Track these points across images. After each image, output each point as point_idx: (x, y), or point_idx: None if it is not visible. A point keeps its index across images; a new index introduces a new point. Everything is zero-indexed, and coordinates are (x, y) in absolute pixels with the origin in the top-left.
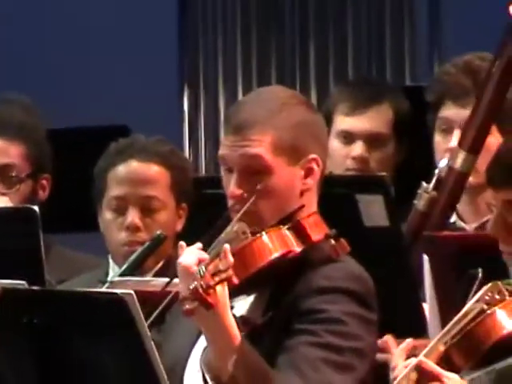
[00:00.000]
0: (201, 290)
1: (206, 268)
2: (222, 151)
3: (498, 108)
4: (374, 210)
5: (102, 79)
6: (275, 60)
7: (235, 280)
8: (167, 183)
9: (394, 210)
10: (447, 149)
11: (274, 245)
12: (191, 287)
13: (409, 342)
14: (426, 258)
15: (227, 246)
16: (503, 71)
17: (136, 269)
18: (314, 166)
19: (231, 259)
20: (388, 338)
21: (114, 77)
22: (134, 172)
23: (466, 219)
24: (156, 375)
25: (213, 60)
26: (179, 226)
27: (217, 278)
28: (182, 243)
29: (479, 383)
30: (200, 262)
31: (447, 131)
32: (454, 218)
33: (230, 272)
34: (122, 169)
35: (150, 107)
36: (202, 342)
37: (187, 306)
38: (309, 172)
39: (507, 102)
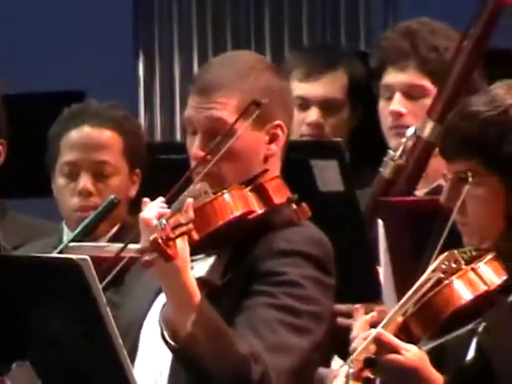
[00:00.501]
0: (160, 241)
1: (166, 221)
2: (187, 112)
3: (467, 80)
4: (328, 176)
5: (58, 45)
6: (230, 27)
7: (195, 235)
8: (120, 148)
9: (348, 175)
10: (389, 111)
11: (236, 204)
12: (151, 239)
13: (373, 315)
14: (380, 223)
15: (190, 201)
16: (474, 44)
17: (88, 234)
18: (279, 132)
19: (192, 213)
20: (359, 307)
21: (70, 43)
22: (86, 137)
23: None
24: (111, 341)
25: (168, 26)
26: (133, 192)
27: (177, 231)
28: (146, 199)
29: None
30: (161, 215)
31: (391, 98)
32: None
33: (191, 226)
34: (74, 134)
35: (105, 73)
36: (161, 299)
37: (146, 258)
38: (273, 138)
39: None
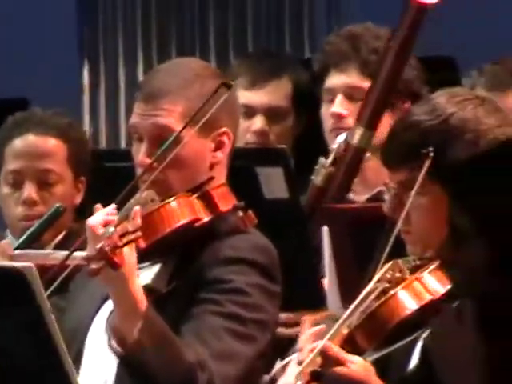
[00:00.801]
0: (107, 250)
1: (114, 229)
2: (132, 119)
3: (395, 84)
4: (273, 183)
5: (2, 51)
6: (175, 34)
7: (142, 243)
8: (64, 156)
9: (293, 182)
10: (330, 113)
11: (183, 211)
12: (98, 247)
13: (322, 327)
14: (325, 229)
15: (138, 208)
16: (400, 47)
17: (34, 242)
18: (225, 139)
19: (139, 221)
20: (306, 319)
21: (14, 50)
22: (30, 145)
23: (357, 191)
24: (56, 348)
25: (112, 34)
26: (78, 199)
27: (124, 239)
28: (98, 205)
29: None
30: (108, 223)
31: (333, 101)
32: None
33: (139, 233)
34: (18, 142)
35: (50, 81)
36: (107, 306)
37: (93, 266)
38: (219, 145)
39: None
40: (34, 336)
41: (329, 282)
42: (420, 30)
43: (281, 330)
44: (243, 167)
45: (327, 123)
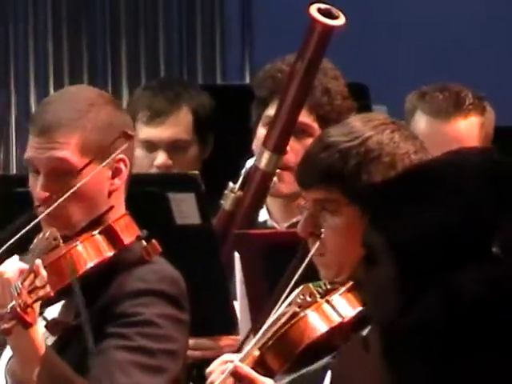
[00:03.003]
0: (19, 310)
1: (21, 284)
2: (28, 153)
3: (301, 108)
4: (185, 208)
5: None
6: (87, 59)
7: (51, 293)
8: None
9: (205, 207)
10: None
11: (89, 254)
12: (10, 306)
13: (235, 358)
14: (237, 255)
15: (39, 262)
16: (305, 71)
17: None
18: (122, 166)
19: (45, 274)
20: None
21: None
22: None
23: (278, 219)
24: None
25: (24, 58)
26: None
27: (34, 296)
28: (16, 256)
29: None
30: (22, 271)
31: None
32: (266, 217)
33: (48, 289)
34: None
35: None
36: (7, 352)
37: (5, 326)
38: (117, 172)
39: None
40: None
41: (240, 306)
42: (325, 52)
43: (191, 353)
44: (155, 193)
45: (259, 146)
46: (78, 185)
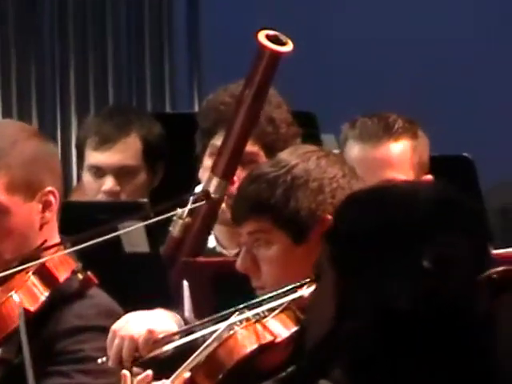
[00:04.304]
0: None
1: None
2: None
3: (249, 134)
4: (134, 236)
5: None
6: (35, 86)
7: None
8: None
9: (154, 235)
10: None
11: (24, 301)
12: None
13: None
14: (185, 283)
15: None
16: (254, 97)
17: None
18: (51, 197)
19: None
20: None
21: None
22: None
23: (226, 246)
24: None
25: None
26: None
27: None
28: None
29: None
30: None
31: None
32: (214, 244)
33: None
34: None
35: None
36: None
37: None
38: (46, 205)
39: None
40: None
41: None
42: (273, 78)
43: None
44: (104, 221)
45: (205, 176)
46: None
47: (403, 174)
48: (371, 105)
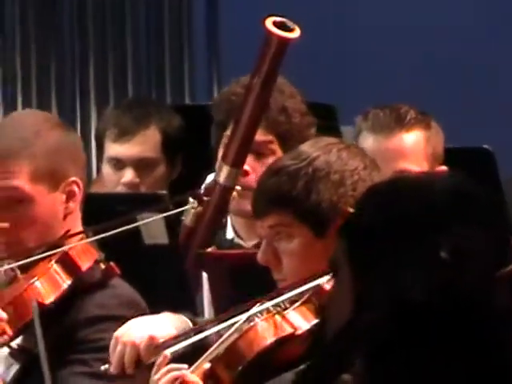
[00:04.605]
0: None
1: None
2: None
3: (258, 122)
4: (153, 228)
5: None
6: (55, 79)
7: (10, 333)
8: None
9: (173, 227)
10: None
11: (47, 289)
12: None
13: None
14: (205, 275)
15: None
16: (262, 85)
17: None
18: (75, 188)
19: (4, 316)
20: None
21: None
22: None
23: (244, 237)
24: None
25: None
26: None
27: None
28: None
29: None
30: None
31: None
32: (232, 235)
33: (9, 333)
34: None
35: None
36: None
37: None
38: (70, 195)
39: (290, 124)
40: None
41: None
42: (280, 65)
43: None
44: (124, 212)
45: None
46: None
47: (417, 164)
48: (390, 97)
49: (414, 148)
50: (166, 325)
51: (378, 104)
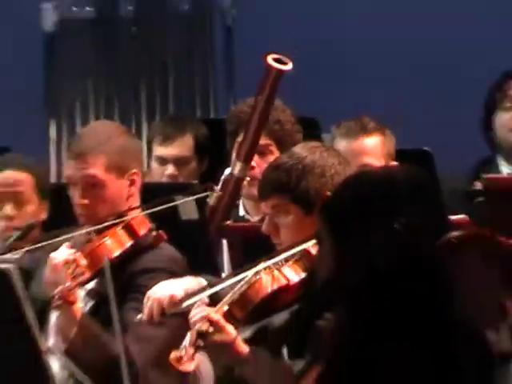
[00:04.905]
0: (66, 293)
1: (71, 270)
2: (67, 172)
3: (263, 128)
4: (188, 208)
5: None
6: (117, 101)
7: (88, 275)
8: (32, 185)
9: (202, 207)
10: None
11: (114, 246)
12: (58, 290)
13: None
14: (224, 242)
15: (79, 254)
16: (265, 102)
17: (11, 249)
18: (136, 177)
19: (84, 263)
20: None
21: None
22: (7, 177)
23: (252, 214)
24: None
25: (72, 96)
26: (43, 217)
27: (75, 281)
28: (67, 243)
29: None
30: (67, 262)
31: None
32: (243, 213)
33: (87, 275)
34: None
35: (24, 135)
36: (53, 314)
37: (56, 303)
38: (132, 182)
39: (283, 129)
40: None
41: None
42: (276, 87)
43: None
44: (167, 196)
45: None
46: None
47: (376, 160)
48: (361, 108)
49: (373, 149)
50: (184, 286)
51: (349, 118)
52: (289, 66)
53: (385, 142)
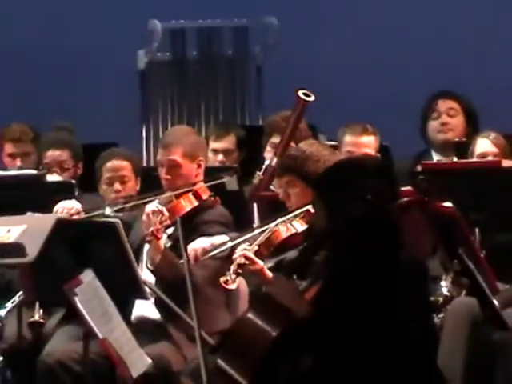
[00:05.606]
0: (155, 231)
1: (159, 218)
2: (158, 157)
3: (294, 136)
4: (231, 182)
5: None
6: (186, 113)
7: (169, 222)
8: (131, 169)
9: (241, 183)
10: (271, 150)
11: (186, 203)
12: (150, 230)
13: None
14: (255, 205)
15: (163, 208)
16: (295, 120)
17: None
18: (202, 162)
19: (167, 214)
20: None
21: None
22: (114, 165)
23: (276, 187)
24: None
25: (157, 113)
26: (137, 188)
27: (161, 225)
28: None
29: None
30: (155, 212)
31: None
32: (272, 187)
33: (168, 222)
34: (109, 164)
35: (126, 135)
36: (146, 247)
37: (148, 238)
38: (199, 165)
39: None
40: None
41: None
42: (305, 112)
43: None
44: (217, 175)
45: (269, 155)
46: None
47: (372, 151)
48: (347, 118)
49: (370, 144)
50: (212, 241)
51: (339, 123)
52: (312, 98)
53: (376, 141)
